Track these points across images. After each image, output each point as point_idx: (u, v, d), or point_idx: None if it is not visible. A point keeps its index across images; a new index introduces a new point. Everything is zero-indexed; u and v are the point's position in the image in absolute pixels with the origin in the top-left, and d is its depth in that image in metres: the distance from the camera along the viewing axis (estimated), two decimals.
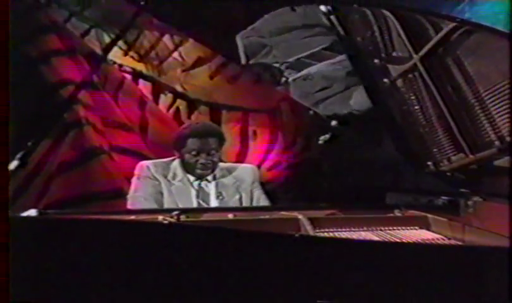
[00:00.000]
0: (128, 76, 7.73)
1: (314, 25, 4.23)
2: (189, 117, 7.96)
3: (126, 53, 7.82)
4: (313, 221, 4.17)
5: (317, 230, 4.12)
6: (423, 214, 4.34)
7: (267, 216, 4.32)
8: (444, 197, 4.42)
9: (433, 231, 4.23)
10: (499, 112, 3.77)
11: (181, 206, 4.56)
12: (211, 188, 4.79)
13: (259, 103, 8.08)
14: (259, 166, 8.07)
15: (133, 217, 4.28)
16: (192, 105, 8.07)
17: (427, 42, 3.83)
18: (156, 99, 7.91)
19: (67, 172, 6.63)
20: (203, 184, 4.76)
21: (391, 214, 4.44)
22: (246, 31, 4.17)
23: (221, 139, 4.85)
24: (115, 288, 3.24)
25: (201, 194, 4.75)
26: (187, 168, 4.73)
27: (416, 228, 4.25)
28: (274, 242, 3.29)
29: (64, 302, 3.29)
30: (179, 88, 8.02)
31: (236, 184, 4.84)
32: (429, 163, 4.41)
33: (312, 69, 4.38)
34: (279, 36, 4.25)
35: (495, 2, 8.61)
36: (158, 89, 7.98)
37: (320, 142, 4.95)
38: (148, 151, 6.97)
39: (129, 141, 7.22)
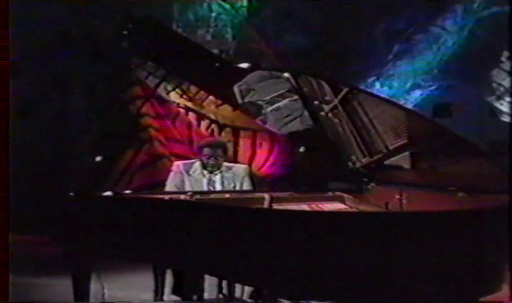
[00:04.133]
0: (182, 110, 8.09)
1: (279, 77, 4.59)
2: (219, 135, 8.29)
3: (181, 96, 8.18)
4: (274, 199, 4.46)
5: (275, 205, 4.38)
6: (341, 194, 4.64)
7: (248, 196, 4.62)
8: (354, 183, 4.70)
9: (345, 204, 4.53)
10: (384, 131, 4.14)
11: (196, 189, 4.87)
12: (217, 178, 5.07)
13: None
14: (263, 165, 8.42)
15: (168, 196, 4.64)
16: (221, 127, 8.40)
17: (340, 93, 4.19)
18: (199, 124, 8.25)
19: (144, 168, 7.01)
20: (212, 176, 5.04)
21: (326, 194, 4.74)
22: (240, 83, 4.56)
23: (225, 150, 5.14)
24: (159, 237, 3.59)
25: (211, 182, 5.05)
26: (203, 165, 5.03)
27: (337, 202, 4.55)
28: (242, 212, 3.65)
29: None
30: (213, 117, 8.35)
31: (233, 177, 5.10)
32: (349, 163, 4.71)
33: (281, 103, 4.73)
34: (259, 84, 4.61)
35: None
36: (200, 117, 8.33)
37: (300, 150, 5.24)
38: (193, 155, 7.30)
39: (182, 150, 7.58)
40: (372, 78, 13.33)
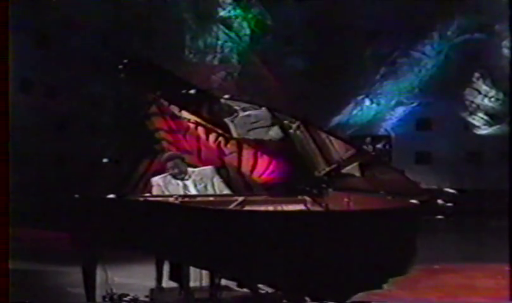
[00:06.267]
0: (192, 125, 8.29)
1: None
2: (225, 146, 8.47)
3: (192, 113, 8.49)
4: (246, 201, 4.63)
5: (246, 206, 4.55)
6: (304, 197, 4.84)
7: (224, 199, 4.82)
8: (317, 188, 4.89)
9: (305, 206, 4.70)
10: (338, 145, 4.53)
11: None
12: (189, 183, 5.28)
13: None
14: (264, 172, 8.59)
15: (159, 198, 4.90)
16: (227, 140, 8.59)
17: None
18: (207, 137, 8.43)
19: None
20: (185, 181, 5.28)
21: (294, 198, 4.82)
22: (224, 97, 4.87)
23: (182, 159, 5.37)
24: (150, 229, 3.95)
25: (185, 187, 5.24)
26: (173, 175, 5.26)
27: (300, 204, 4.71)
28: (211, 212, 3.99)
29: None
30: (220, 131, 8.61)
31: (202, 178, 5.31)
32: (316, 172, 4.94)
33: (252, 112, 5.00)
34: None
35: None
36: (208, 131, 8.56)
37: None
38: (200, 164, 7.51)
39: (191, 160, 7.78)
40: (362, 96, 13.76)
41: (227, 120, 5.24)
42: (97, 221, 4.13)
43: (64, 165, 12.64)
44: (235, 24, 14.25)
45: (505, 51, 13.00)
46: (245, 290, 4.78)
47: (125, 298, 4.67)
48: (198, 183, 5.29)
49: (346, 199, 4.37)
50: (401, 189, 4.11)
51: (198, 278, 4.66)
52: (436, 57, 13.55)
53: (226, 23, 14.28)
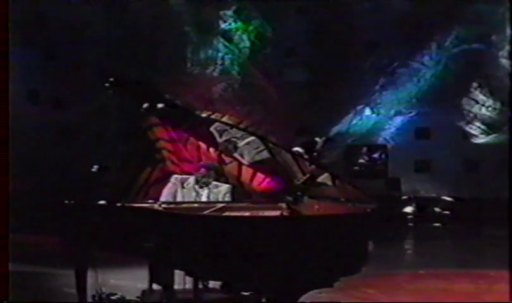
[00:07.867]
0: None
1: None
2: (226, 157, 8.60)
3: None
4: (224, 208, 4.87)
5: (225, 212, 4.74)
6: (281, 204, 5.01)
7: (206, 206, 5.04)
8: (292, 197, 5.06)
9: (280, 211, 4.79)
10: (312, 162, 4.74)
11: (186, 199, 5.36)
12: (204, 193, 5.45)
13: None
14: (263, 181, 8.69)
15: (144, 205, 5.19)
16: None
17: None
18: (208, 147, 8.54)
19: (158, 184, 7.43)
20: (200, 190, 5.44)
21: (273, 205, 5.00)
22: (214, 125, 5.05)
23: (218, 173, 5.53)
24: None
25: (198, 195, 5.44)
26: (197, 180, 5.47)
27: (276, 210, 4.80)
28: (193, 218, 4.20)
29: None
30: None
31: (217, 193, 5.49)
32: (296, 181, 5.10)
33: (250, 139, 5.17)
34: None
35: None
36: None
37: None
38: None
39: (191, 168, 7.92)
40: (361, 106, 13.93)
41: (236, 155, 5.40)
42: (87, 227, 4.40)
43: (65, 173, 12.87)
44: (235, 37, 14.45)
45: (503, 61, 13.16)
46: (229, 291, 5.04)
47: (112, 297, 4.91)
48: (212, 195, 5.47)
49: (316, 206, 4.62)
50: (356, 197, 4.42)
51: (182, 280, 4.89)
52: (434, 67, 13.70)
53: (227, 35, 14.48)
